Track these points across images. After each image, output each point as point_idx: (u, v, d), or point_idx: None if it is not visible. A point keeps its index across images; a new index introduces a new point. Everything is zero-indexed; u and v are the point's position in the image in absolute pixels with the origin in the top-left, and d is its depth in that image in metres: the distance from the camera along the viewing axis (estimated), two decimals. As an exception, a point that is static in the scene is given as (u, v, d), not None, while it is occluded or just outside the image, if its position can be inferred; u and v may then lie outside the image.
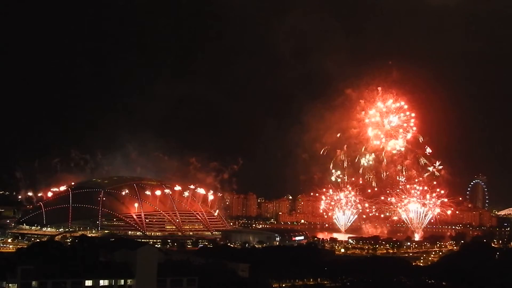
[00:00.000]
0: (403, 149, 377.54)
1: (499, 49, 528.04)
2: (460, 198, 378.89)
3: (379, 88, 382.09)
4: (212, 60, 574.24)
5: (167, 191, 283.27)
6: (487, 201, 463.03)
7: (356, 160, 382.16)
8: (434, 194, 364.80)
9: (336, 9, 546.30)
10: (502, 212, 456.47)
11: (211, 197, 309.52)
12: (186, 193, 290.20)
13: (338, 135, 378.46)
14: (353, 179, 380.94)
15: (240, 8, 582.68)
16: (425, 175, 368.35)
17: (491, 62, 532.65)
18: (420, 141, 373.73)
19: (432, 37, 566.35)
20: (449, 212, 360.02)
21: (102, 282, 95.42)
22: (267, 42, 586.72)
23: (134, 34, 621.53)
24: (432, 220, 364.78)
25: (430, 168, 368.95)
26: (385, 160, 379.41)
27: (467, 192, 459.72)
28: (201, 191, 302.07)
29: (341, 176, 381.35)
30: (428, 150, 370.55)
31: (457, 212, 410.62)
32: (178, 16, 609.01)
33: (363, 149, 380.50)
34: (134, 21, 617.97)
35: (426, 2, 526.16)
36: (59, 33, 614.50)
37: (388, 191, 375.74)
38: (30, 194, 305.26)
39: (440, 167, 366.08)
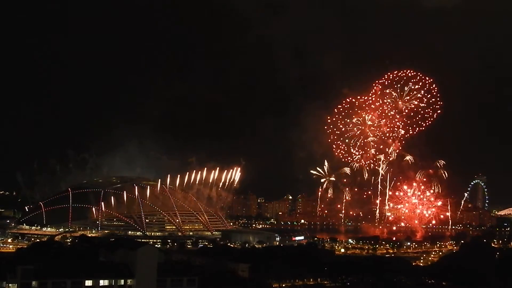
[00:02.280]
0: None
1: (500, 49, 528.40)
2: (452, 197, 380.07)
3: (377, 89, 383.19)
4: (211, 60, 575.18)
5: (167, 190, 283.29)
6: (487, 201, 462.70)
7: (352, 161, 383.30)
8: (428, 194, 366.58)
9: (336, 8, 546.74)
10: (502, 212, 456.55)
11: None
12: None
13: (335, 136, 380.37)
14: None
15: (239, 8, 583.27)
16: (418, 177, 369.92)
17: (492, 62, 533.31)
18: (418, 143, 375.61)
19: (431, 37, 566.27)
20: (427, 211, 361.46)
21: (102, 282, 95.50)
22: (267, 41, 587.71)
23: (135, 34, 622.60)
24: (431, 218, 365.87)
25: (419, 175, 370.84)
26: (382, 160, 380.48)
27: (467, 192, 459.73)
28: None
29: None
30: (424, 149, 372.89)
31: (457, 212, 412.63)
32: (177, 16, 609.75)
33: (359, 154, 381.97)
34: (134, 21, 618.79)
35: (425, 2, 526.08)
36: (59, 32, 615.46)
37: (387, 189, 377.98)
38: (30, 194, 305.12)
39: (445, 173, 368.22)
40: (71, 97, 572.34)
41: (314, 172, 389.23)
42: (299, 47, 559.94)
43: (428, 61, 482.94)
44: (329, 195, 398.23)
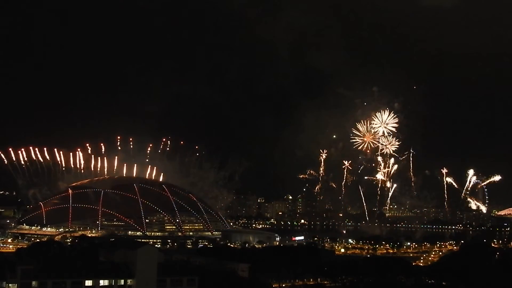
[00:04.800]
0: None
1: (499, 49, 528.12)
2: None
3: (375, 88, 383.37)
4: (210, 59, 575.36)
5: (167, 190, 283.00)
6: (487, 201, 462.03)
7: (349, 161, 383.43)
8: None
9: (334, 7, 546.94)
10: (502, 212, 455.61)
11: None
12: None
13: (334, 136, 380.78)
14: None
15: (238, 7, 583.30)
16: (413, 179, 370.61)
17: (491, 62, 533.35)
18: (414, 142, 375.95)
19: (430, 37, 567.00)
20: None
21: (102, 282, 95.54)
22: (267, 41, 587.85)
23: (134, 33, 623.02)
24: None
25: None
26: (379, 164, 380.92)
27: (467, 192, 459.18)
28: None
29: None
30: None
31: (457, 212, 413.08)
32: (176, 15, 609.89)
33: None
34: (133, 20, 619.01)
35: (423, 2, 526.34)
36: (59, 31, 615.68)
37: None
38: (30, 194, 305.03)
39: (445, 171, 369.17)
40: (70, 96, 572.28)
41: (305, 176, 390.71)
42: (298, 46, 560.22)
43: (427, 61, 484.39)
44: (327, 206, 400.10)
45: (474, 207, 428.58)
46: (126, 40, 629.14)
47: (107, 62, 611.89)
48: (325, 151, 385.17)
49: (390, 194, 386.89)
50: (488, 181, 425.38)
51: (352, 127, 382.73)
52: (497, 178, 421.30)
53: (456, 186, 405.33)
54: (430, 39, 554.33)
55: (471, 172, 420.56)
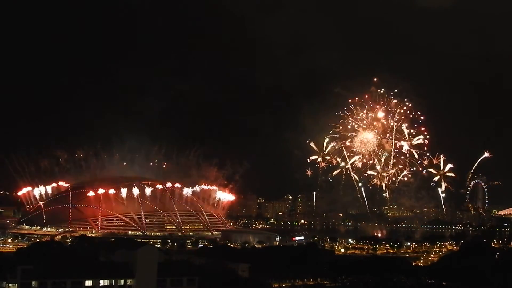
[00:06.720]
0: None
1: (498, 49, 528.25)
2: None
3: (373, 88, 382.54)
4: (209, 59, 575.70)
5: (167, 190, 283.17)
6: (487, 201, 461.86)
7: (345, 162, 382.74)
8: None
9: (334, 7, 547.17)
10: (502, 212, 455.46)
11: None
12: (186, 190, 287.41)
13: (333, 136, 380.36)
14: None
15: (238, 6, 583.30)
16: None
17: (491, 62, 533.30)
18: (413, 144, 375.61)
19: (429, 37, 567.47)
20: None
21: (102, 282, 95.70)
22: (267, 41, 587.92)
23: (134, 33, 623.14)
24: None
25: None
26: (377, 162, 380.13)
27: (467, 192, 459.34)
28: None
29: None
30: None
31: (457, 212, 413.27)
32: (176, 15, 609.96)
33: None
34: (132, 20, 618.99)
35: (423, 2, 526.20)
36: (59, 31, 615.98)
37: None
38: (30, 194, 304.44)
39: (451, 174, 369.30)
40: (70, 96, 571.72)
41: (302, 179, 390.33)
42: (298, 46, 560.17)
43: (426, 61, 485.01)
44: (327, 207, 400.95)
45: (473, 209, 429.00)
46: (126, 40, 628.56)
47: (106, 62, 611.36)
48: (324, 151, 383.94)
49: (389, 194, 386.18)
50: (491, 183, 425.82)
51: (350, 127, 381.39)
52: (499, 181, 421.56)
53: (456, 186, 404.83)
54: (429, 39, 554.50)
55: (471, 172, 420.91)
